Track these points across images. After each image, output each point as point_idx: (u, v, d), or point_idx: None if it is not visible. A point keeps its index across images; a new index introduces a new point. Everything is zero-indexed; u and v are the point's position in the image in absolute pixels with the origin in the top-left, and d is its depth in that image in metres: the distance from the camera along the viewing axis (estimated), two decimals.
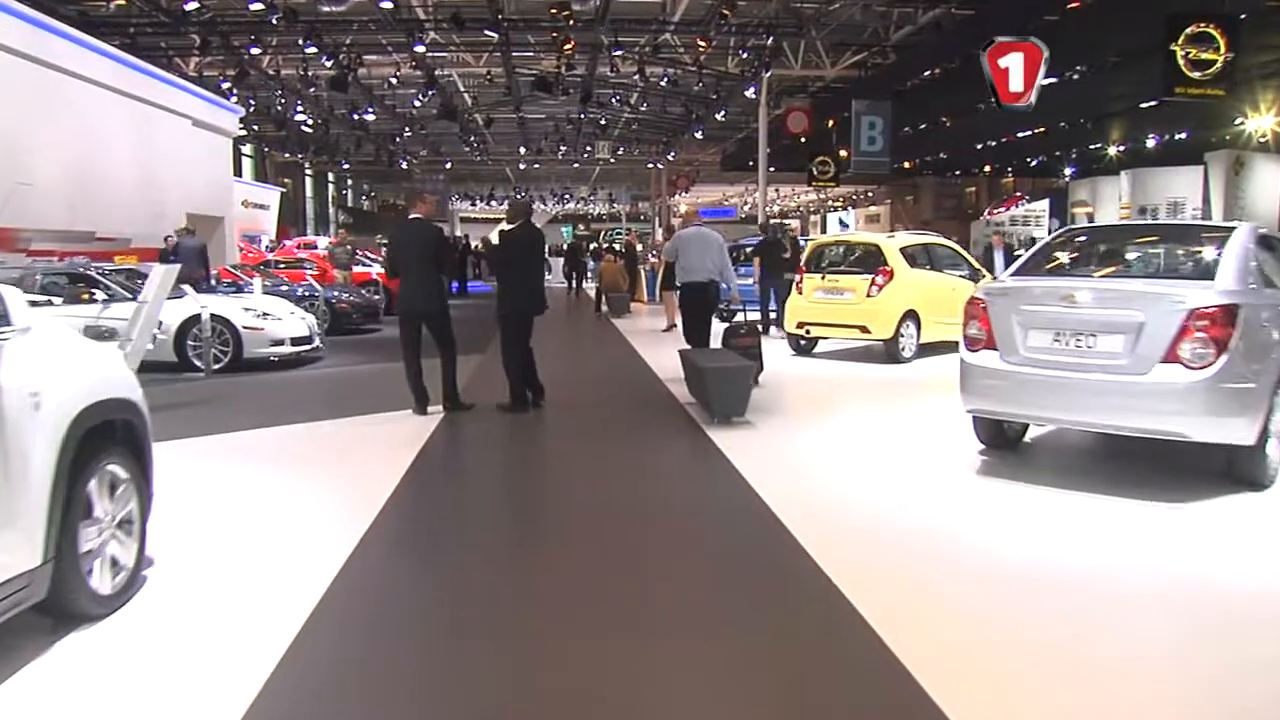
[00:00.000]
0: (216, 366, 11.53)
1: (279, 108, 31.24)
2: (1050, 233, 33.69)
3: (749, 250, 18.63)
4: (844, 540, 5.26)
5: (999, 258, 15.42)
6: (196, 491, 6.28)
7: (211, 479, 6.67)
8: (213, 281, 15.64)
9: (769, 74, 26.39)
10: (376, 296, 17.96)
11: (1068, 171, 40.25)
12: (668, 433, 8.36)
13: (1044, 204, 35.90)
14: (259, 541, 5.30)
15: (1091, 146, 34.94)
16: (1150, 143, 32.67)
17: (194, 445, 7.72)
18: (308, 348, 12.54)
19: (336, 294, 16.35)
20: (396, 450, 7.40)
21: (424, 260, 8.66)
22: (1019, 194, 37.83)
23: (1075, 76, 26.15)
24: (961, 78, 27.20)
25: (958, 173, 42.62)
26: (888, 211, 47.91)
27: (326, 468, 7.09)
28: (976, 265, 13.78)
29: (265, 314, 12.06)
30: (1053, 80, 25.91)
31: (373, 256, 25.05)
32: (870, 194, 49.68)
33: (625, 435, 8.42)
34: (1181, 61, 16.69)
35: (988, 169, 40.55)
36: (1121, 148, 33.91)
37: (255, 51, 24.53)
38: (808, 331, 12.69)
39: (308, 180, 47.71)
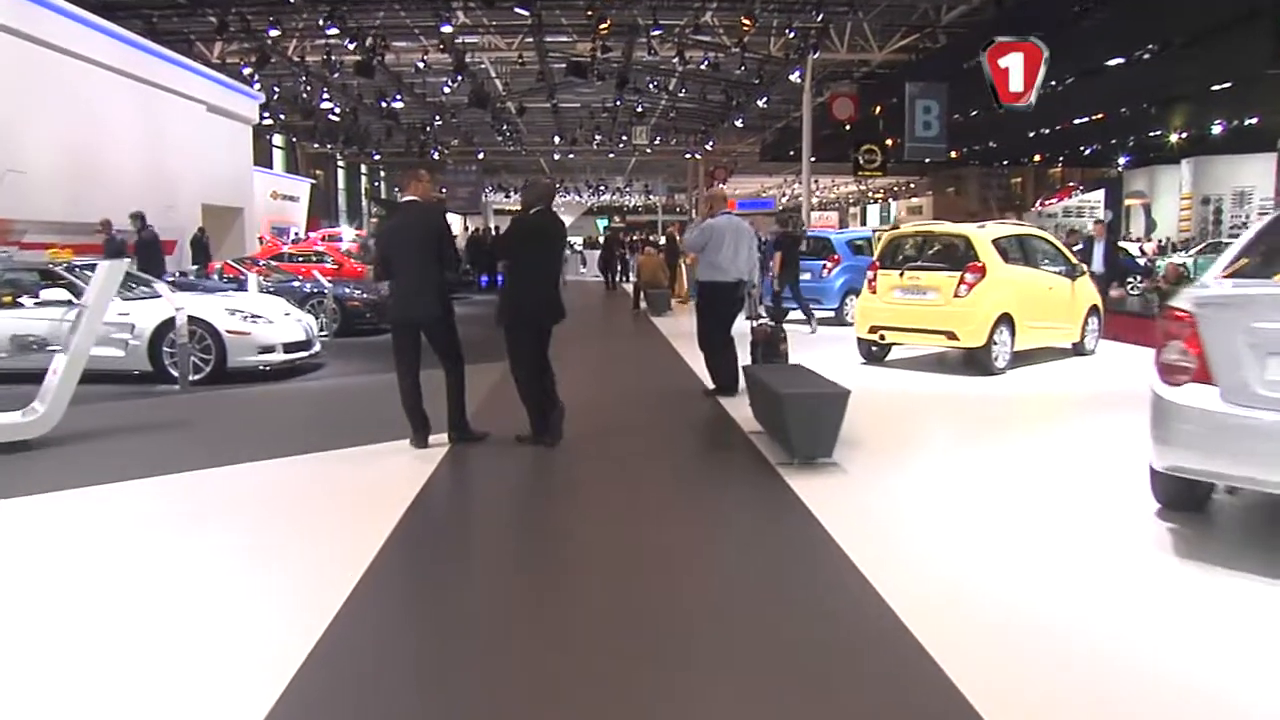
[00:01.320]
0: (196, 377, 9.68)
1: (304, 95, 29.48)
2: (1107, 225, 31.44)
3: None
4: (1016, 678, 3.28)
5: (1099, 251, 13.24)
6: (102, 576, 4.40)
7: (133, 551, 4.78)
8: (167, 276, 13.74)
9: (816, 55, 24.28)
10: None
11: (1121, 161, 37.74)
12: (733, 478, 6.37)
13: (1099, 194, 33.43)
14: (155, 673, 3.38)
15: (1150, 134, 32.46)
16: (1216, 129, 30.16)
17: (128, 492, 5.85)
18: (304, 354, 10.65)
19: (348, 291, 14.48)
20: (380, 504, 5.49)
21: (422, 253, 6.71)
22: (1072, 184, 35.41)
23: (1147, 56, 23.96)
24: None
25: (1005, 162, 40.25)
26: (930, 203, 45.54)
27: (287, 533, 5.17)
28: (1075, 260, 11.67)
29: (253, 316, 10.17)
30: (1119, 61, 23.83)
31: None
32: (912, 185, 47.32)
33: (678, 482, 6.41)
34: None
35: (1037, 158, 38.18)
36: (1184, 134, 31.39)
37: (275, 34, 22.75)
38: (882, 337, 10.64)
39: (340, 172, 46.10)
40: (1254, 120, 29.44)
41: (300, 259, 19.11)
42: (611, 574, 4.62)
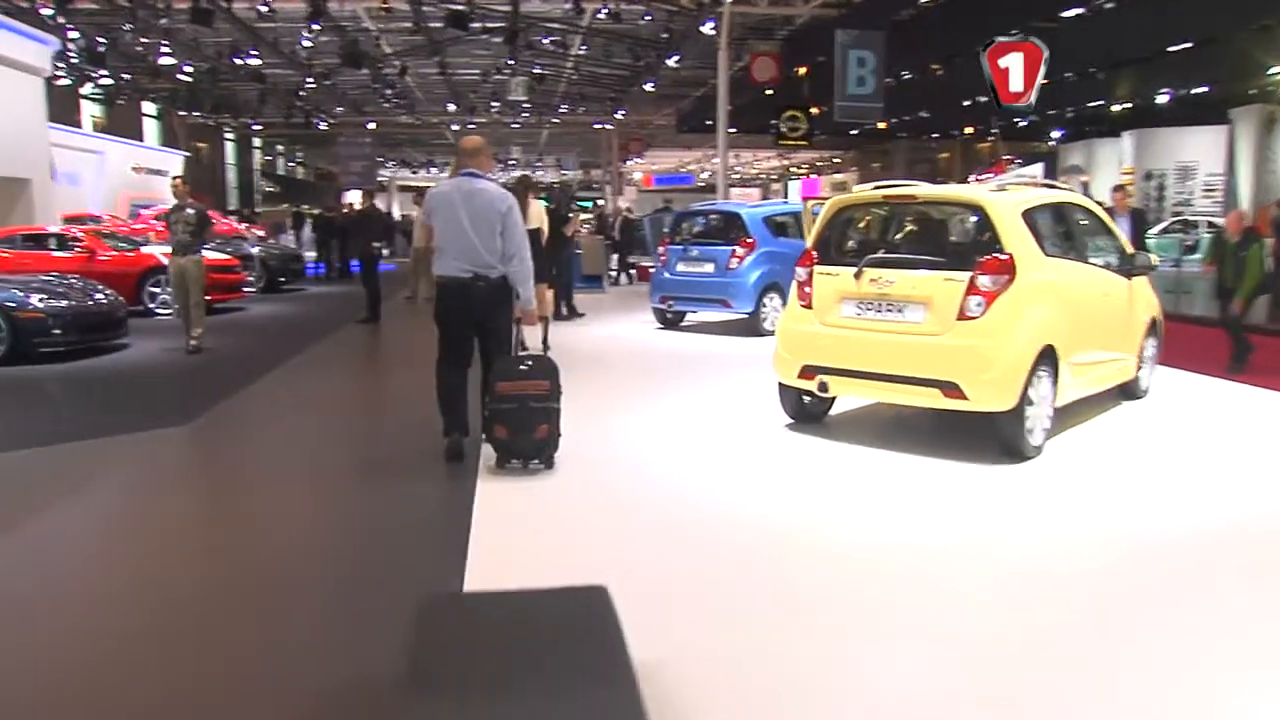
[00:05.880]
0: None
1: (139, 50, 23.53)
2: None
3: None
4: None
5: (1123, 227, 8.16)
6: None
7: None
8: None
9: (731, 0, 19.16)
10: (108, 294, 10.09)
11: (1055, 134, 33.38)
12: None
13: (1038, 169, 28.97)
14: None
15: (1091, 104, 28.00)
16: (1163, 98, 25.77)
17: None
18: None
19: (21, 295, 8.93)
20: None
21: None
22: (1008, 157, 30.81)
23: (1110, 5, 19.54)
24: (958, 16, 20.27)
25: (935, 135, 35.57)
26: (855, 180, 40.82)
27: None
28: (1129, 246, 6.74)
29: None
30: (1079, 11, 19.55)
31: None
32: (837, 160, 42.50)
33: None
34: None
35: (969, 130, 33.53)
36: (1130, 103, 26.96)
37: None
38: (823, 387, 5.59)
39: (229, 145, 39.82)
40: (1204, 89, 25.17)
41: (42, 243, 13.30)
42: None
